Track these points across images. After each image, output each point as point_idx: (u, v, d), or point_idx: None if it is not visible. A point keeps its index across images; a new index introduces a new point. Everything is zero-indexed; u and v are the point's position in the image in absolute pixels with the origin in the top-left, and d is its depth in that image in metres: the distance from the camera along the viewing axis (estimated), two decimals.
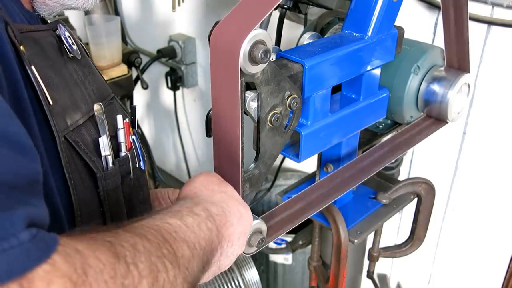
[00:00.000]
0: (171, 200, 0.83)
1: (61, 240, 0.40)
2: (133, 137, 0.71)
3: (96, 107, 0.65)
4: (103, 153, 0.64)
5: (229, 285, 1.57)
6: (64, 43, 0.64)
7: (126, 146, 0.69)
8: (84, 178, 0.63)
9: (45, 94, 0.58)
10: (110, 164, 0.65)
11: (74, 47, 0.65)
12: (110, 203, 0.66)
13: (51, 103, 0.58)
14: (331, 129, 0.86)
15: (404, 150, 0.98)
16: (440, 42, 1.05)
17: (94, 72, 0.72)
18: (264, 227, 0.75)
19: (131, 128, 0.71)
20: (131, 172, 0.69)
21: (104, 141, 0.64)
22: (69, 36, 0.65)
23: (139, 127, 2.16)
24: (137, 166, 0.71)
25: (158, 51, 2.17)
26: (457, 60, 1.01)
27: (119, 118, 0.68)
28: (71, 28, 1.75)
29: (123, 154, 0.68)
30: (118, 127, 0.68)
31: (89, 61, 0.73)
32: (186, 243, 0.53)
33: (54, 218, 0.59)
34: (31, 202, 0.42)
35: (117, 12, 2.11)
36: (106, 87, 0.74)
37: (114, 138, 0.68)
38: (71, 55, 0.65)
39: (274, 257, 1.92)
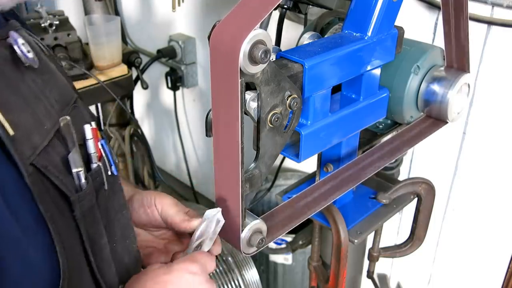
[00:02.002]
0: (157, 208, 0.80)
1: None
2: (102, 141, 0.66)
3: (62, 121, 0.60)
4: (74, 170, 0.60)
5: (229, 285, 1.57)
6: (17, 53, 0.57)
7: (97, 156, 0.65)
8: (58, 202, 0.58)
9: (3, 126, 0.52)
10: (83, 180, 0.61)
11: (30, 55, 0.59)
12: (87, 225, 0.62)
13: (11, 133, 0.53)
14: (331, 129, 0.86)
15: (404, 150, 0.98)
16: (440, 42, 1.05)
17: (54, 76, 0.66)
18: (264, 227, 0.75)
19: (98, 133, 0.67)
20: (105, 182, 0.66)
21: (74, 157, 0.60)
22: (23, 44, 0.58)
23: (139, 127, 2.16)
24: (109, 173, 0.67)
25: (158, 51, 2.17)
26: (457, 60, 1.01)
27: (87, 128, 0.64)
28: (69, 28, 1.75)
29: (94, 165, 0.64)
30: (87, 138, 0.64)
31: (48, 63, 0.66)
32: None
33: (28, 264, 0.55)
34: None
35: (117, 12, 2.11)
36: (68, 88, 0.68)
37: (82, 147, 0.64)
38: (27, 64, 0.59)
39: (274, 257, 1.92)
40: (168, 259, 0.81)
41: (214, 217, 0.73)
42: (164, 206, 0.79)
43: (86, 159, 0.64)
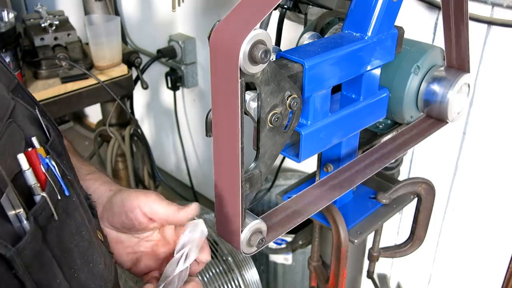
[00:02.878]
0: (144, 211, 0.73)
1: None
2: (46, 160, 0.55)
3: None
4: (11, 212, 0.49)
5: (229, 285, 1.57)
6: None
7: (39, 187, 0.53)
8: None
9: None
10: (25, 222, 0.50)
11: None
12: (34, 274, 0.51)
13: None
14: (331, 129, 0.86)
15: (404, 150, 0.98)
16: (440, 42, 1.05)
17: None
18: (264, 227, 0.75)
19: (42, 150, 0.56)
20: (54, 213, 0.55)
21: (9, 198, 0.49)
22: None
23: (139, 127, 2.16)
24: (59, 198, 0.56)
25: (158, 51, 2.17)
26: (457, 60, 1.01)
27: (21, 158, 0.52)
28: (69, 28, 1.75)
29: (38, 197, 0.53)
30: (23, 169, 0.53)
31: None
32: None
33: None
34: None
35: (117, 12, 2.11)
36: (3, 101, 0.56)
37: (20, 175, 0.53)
38: None
39: (274, 257, 1.92)
40: (157, 263, 0.78)
41: (196, 227, 0.73)
42: (152, 206, 0.73)
43: (28, 191, 0.53)
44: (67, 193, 0.58)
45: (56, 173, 0.56)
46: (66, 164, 0.63)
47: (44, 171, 0.54)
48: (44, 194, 0.53)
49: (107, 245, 0.72)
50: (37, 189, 0.54)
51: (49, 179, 0.55)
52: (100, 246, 0.67)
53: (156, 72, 2.37)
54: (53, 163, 0.56)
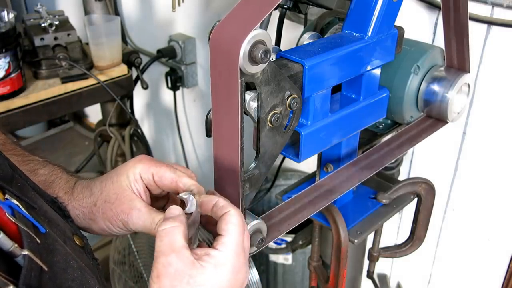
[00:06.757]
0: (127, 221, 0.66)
1: None
2: (10, 204, 0.47)
3: None
4: None
5: None
6: None
7: (16, 247, 0.45)
8: None
9: None
10: None
11: None
12: None
13: None
14: (331, 129, 0.86)
15: (404, 150, 0.98)
16: (440, 42, 1.05)
17: None
18: (264, 227, 0.75)
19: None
20: (42, 265, 0.47)
21: None
22: None
23: (139, 127, 2.16)
24: (39, 242, 0.48)
25: (158, 51, 2.17)
26: (457, 60, 1.01)
27: None
28: (69, 28, 1.75)
29: (20, 258, 0.46)
30: None
31: None
32: None
33: None
34: None
35: (117, 12, 2.11)
36: None
37: None
38: None
39: (274, 257, 1.92)
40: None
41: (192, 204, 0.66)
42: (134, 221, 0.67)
43: (6, 255, 0.46)
44: (43, 231, 0.50)
45: (24, 214, 0.47)
46: (23, 183, 0.54)
47: (12, 219, 0.46)
48: (25, 252, 0.45)
49: (88, 250, 0.65)
50: (16, 250, 0.45)
51: (21, 226, 0.46)
52: (85, 260, 0.60)
53: (156, 72, 2.37)
54: (15, 202, 0.47)
